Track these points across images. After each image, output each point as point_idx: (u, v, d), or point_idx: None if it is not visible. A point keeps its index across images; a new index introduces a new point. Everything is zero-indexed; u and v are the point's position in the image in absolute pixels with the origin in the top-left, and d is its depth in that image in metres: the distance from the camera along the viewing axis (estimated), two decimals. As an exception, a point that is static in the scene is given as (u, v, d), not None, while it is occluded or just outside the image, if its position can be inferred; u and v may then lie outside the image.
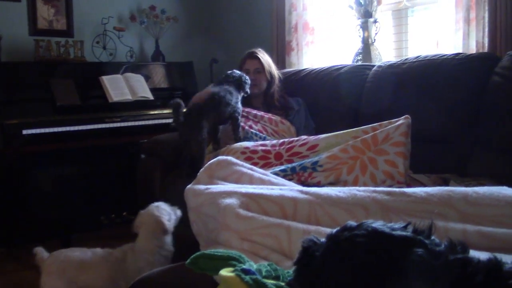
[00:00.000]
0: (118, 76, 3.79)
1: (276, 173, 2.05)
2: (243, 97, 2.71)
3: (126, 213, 3.71)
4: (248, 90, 2.69)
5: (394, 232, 0.73)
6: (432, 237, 0.75)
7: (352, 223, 0.78)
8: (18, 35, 3.73)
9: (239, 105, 2.61)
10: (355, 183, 1.91)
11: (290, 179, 2.01)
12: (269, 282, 0.82)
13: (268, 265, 0.95)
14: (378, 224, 0.75)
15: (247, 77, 2.69)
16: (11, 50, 3.66)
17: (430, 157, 2.29)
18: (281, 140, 2.36)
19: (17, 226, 3.39)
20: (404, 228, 0.75)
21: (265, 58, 2.95)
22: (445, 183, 2.04)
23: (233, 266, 0.88)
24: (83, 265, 2.03)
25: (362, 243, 0.72)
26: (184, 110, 2.41)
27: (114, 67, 3.91)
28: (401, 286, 0.68)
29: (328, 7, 3.68)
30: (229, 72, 2.69)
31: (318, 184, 1.99)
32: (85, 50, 3.87)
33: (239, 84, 2.62)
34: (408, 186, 1.85)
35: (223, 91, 2.51)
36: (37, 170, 3.28)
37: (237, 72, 2.69)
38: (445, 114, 2.31)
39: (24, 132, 3.16)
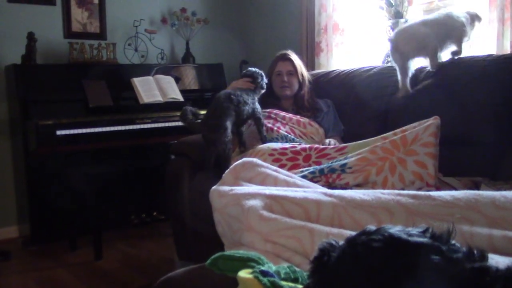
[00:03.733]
0: (149, 77, 3.85)
1: (304, 175, 2.05)
2: (267, 95, 2.75)
3: (156, 213, 3.76)
4: (264, 85, 2.70)
5: (410, 238, 0.72)
6: (453, 242, 0.74)
7: (372, 227, 0.77)
8: (53, 38, 3.82)
9: (257, 104, 2.62)
10: (384, 183, 1.89)
11: (317, 181, 2.01)
12: (287, 284, 0.82)
13: (288, 267, 0.95)
14: (396, 229, 0.74)
15: (261, 72, 2.69)
16: (46, 52, 3.76)
17: (461, 160, 2.24)
18: (313, 145, 2.35)
19: (49, 224, 3.48)
20: (423, 233, 0.74)
21: (297, 60, 2.94)
22: (476, 186, 1.99)
23: (252, 267, 0.89)
24: None
25: (378, 248, 0.71)
26: (197, 111, 2.48)
27: (145, 69, 3.97)
28: None
29: (358, 8, 3.65)
30: (244, 71, 2.74)
31: (346, 185, 1.98)
32: (117, 52, 3.94)
33: (252, 82, 2.64)
34: (438, 189, 1.81)
35: (238, 90, 2.55)
36: (70, 170, 3.35)
37: (251, 69, 2.71)
38: (477, 116, 2.25)
39: (58, 132, 3.24)
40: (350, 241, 0.76)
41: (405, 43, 2.53)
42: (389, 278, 0.68)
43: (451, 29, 2.46)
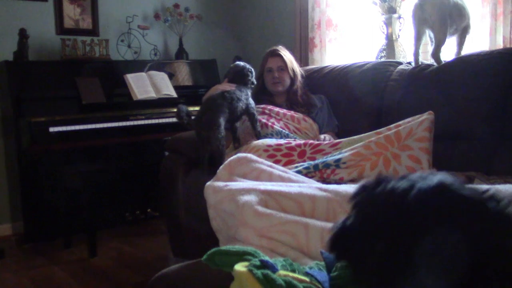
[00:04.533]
0: (142, 74, 3.84)
1: (299, 171, 2.05)
2: (260, 91, 2.79)
3: (150, 210, 3.76)
4: (254, 80, 2.70)
5: (465, 192, 0.69)
6: None
7: (423, 173, 0.75)
8: (45, 34, 3.80)
9: (251, 100, 2.62)
10: (378, 179, 1.89)
11: (312, 177, 2.01)
12: (281, 275, 0.81)
13: (284, 260, 0.95)
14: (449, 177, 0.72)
15: (250, 68, 2.69)
16: (38, 49, 3.73)
17: (455, 155, 2.25)
18: (308, 141, 2.35)
19: (44, 221, 3.47)
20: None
21: (287, 55, 2.93)
22: (470, 181, 2.00)
23: (249, 260, 0.88)
24: None
25: (424, 190, 0.69)
26: (190, 109, 2.47)
27: (138, 65, 3.96)
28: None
29: (352, 4, 3.65)
30: (232, 65, 2.73)
31: (340, 180, 1.99)
32: (110, 49, 3.92)
33: (242, 78, 2.63)
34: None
35: (233, 88, 2.55)
36: (63, 167, 3.34)
37: (239, 65, 2.70)
38: (470, 111, 2.26)
39: (51, 129, 3.22)
40: (403, 178, 0.74)
41: (431, 6, 2.46)
42: (432, 223, 0.67)
43: (463, 20, 2.46)
